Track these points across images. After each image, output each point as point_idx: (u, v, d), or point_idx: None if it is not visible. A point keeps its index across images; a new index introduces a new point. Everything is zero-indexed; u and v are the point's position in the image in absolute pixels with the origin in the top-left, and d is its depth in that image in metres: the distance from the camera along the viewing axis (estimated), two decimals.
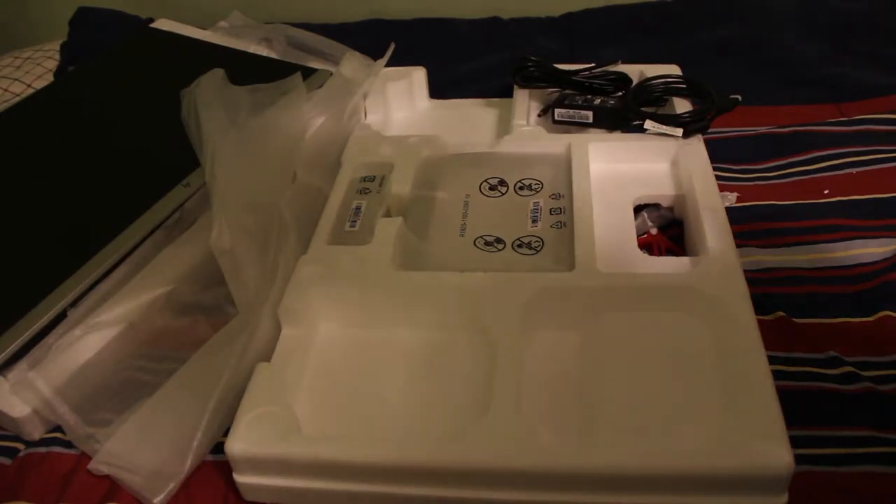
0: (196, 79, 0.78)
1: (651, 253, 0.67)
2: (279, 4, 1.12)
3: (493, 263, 0.63)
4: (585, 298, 0.60)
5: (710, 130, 0.73)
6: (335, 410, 0.56)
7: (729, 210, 0.67)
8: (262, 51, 0.93)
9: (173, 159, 0.74)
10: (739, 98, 0.75)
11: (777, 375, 0.53)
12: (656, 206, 0.71)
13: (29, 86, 0.98)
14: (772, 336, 0.58)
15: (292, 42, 0.94)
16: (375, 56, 0.84)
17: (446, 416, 0.55)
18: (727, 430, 0.50)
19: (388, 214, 0.69)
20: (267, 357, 0.58)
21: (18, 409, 0.58)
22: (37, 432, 0.59)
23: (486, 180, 0.73)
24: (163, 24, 0.99)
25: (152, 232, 0.68)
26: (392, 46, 0.84)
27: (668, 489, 0.49)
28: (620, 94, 0.80)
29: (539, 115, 0.81)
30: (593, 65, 0.82)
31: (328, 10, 1.12)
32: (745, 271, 0.59)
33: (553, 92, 0.82)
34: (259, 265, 0.64)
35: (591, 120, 0.77)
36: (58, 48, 1.05)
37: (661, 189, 0.71)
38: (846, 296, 0.64)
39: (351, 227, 0.67)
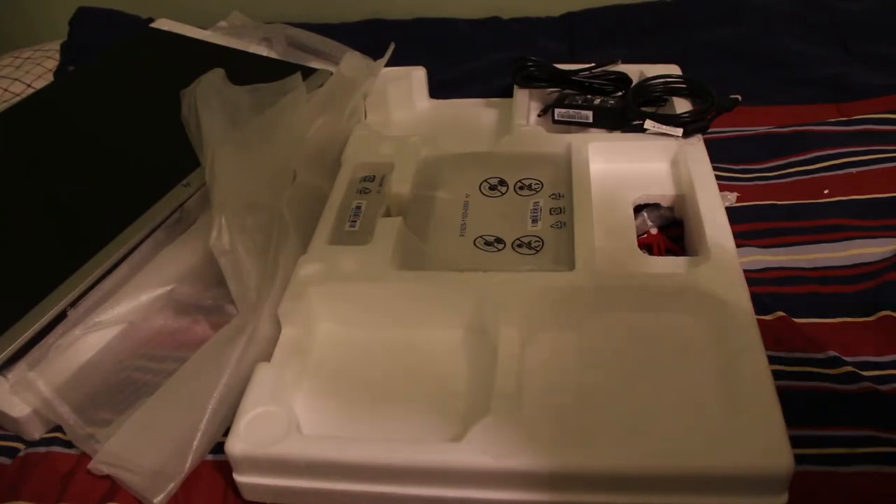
0: (196, 79, 0.78)
1: (651, 253, 0.67)
2: (279, 4, 1.12)
3: (493, 263, 0.63)
4: (585, 298, 0.60)
5: (710, 130, 0.73)
6: (335, 410, 0.56)
7: (729, 210, 0.67)
8: (262, 51, 0.93)
9: (173, 159, 0.74)
10: (739, 98, 0.76)
11: (777, 375, 0.53)
12: (656, 206, 0.71)
13: (29, 86, 0.98)
14: (772, 336, 0.58)
15: (292, 42, 0.94)
16: (375, 56, 0.84)
17: (446, 416, 0.55)
18: (727, 430, 0.50)
19: (388, 214, 0.69)
20: (267, 357, 0.58)
21: (18, 408, 0.58)
22: (37, 432, 0.59)
23: (486, 180, 0.73)
24: (163, 24, 0.99)
25: (152, 232, 0.68)
26: (392, 46, 0.84)
27: (667, 489, 0.49)
28: (620, 94, 0.80)
29: (539, 115, 0.81)
30: (593, 65, 0.82)
31: (328, 10, 1.12)
32: (745, 271, 0.59)
33: (553, 92, 0.82)
34: (259, 265, 0.64)
35: (591, 120, 0.77)
36: (58, 48, 1.05)
37: (661, 189, 0.71)
38: (846, 296, 0.64)
39: (351, 226, 0.67)
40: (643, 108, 0.75)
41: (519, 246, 0.65)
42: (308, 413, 0.55)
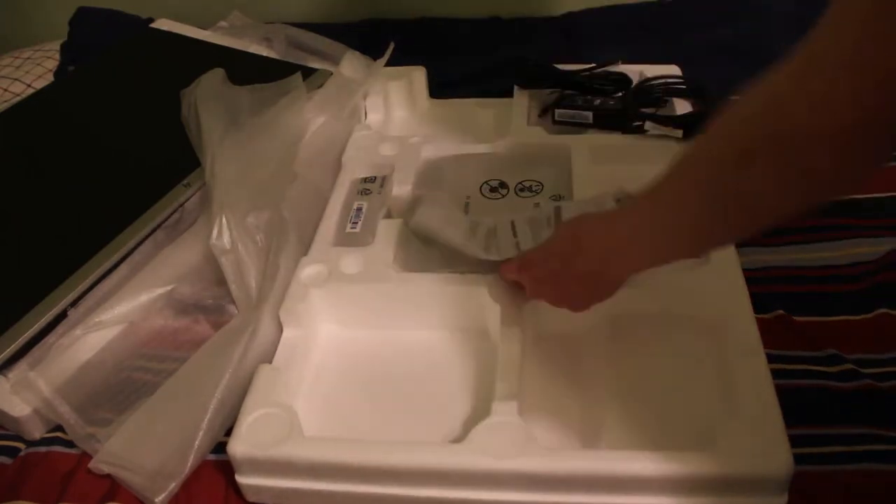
0: (196, 79, 0.78)
1: None
2: (279, 4, 1.12)
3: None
4: None
5: None
6: (337, 412, 0.57)
7: None
8: (262, 51, 0.93)
9: (173, 159, 0.74)
10: None
11: (777, 374, 0.53)
12: None
13: (29, 86, 0.98)
14: (772, 335, 0.58)
15: (292, 42, 0.94)
16: (375, 56, 0.84)
17: (447, 417, 0.55)
18: (727, 430, 0.50)
19: (388, 216, 0.69)
20: (268, 358, 0.58)
21: (19, 408, 0.58)
22: (37, 432, 0.59)
23: (486, 182, 0.72)
24: (163, 24, 0.99)
25: (152, 232, 0.68)
26: (392, 46, 0.84)
27: (668, 489, 0.49)
28: (620, 94, 0.80)
29: (539, 116, 0.81)
30: (593, 65, 0.82)
31: (328, 10, 1.12)
32: (745, 271, 0.60)
33: (553, 92, 0.81)
34: (259, 265, 0.64)
35: (591, 120, 0.77)
36: (58, 48, 1.05)
37: None
38: (845, 294, 0.64)
39: (352, 228, 0.67)
40: (643, 109, 0.75)
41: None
42: (310, 415, 0.55)
